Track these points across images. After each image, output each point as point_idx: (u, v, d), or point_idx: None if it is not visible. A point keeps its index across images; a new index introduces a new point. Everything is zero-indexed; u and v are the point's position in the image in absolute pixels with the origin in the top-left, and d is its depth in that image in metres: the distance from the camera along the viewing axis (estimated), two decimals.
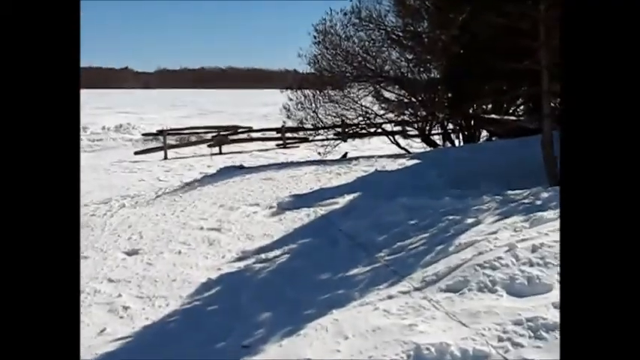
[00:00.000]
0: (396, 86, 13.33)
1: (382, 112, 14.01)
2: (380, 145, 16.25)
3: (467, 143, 12.72)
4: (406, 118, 13.91)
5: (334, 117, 14.14)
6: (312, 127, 14.45)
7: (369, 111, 13.92)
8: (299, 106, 14.09)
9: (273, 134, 21.81)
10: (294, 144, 20.55)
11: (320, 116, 14.09)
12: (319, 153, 14.17)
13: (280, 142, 21.06)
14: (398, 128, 15.75)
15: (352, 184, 7.92)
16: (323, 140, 14.86)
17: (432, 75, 12.80)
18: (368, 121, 14.32)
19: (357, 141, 17.38)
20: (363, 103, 13.83)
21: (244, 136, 22.44)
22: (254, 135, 22.53)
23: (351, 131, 15.26)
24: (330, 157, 13.52)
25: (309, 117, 14.10)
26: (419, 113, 13.58)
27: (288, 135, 19.91)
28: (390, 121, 14.31)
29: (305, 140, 17.62)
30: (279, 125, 20.38)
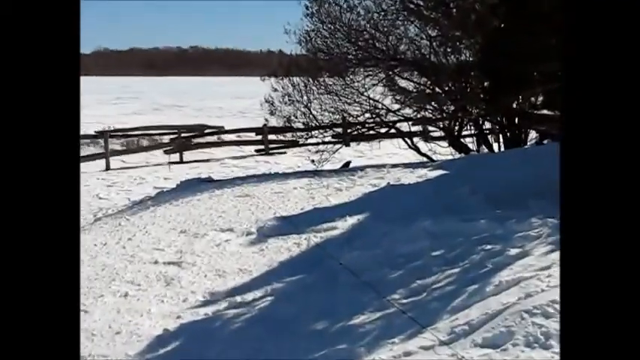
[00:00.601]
0: (415, 72, 13.38)
1: (396, 106, 14.07)
2: (393, 150, 16.32)
3: (510, 148, 12.74)
4: (428, 114, 13.96)
5: (333, 113, 14.16)
6: (303, 126, 14.48)
7: (379, 105, 13.96)
8: (286, 99, 14.11)
9: (252, 136, 21.91)
10: (280, 149, 20.62)
11: (314, 113, 14.11)
12: (313, 161, 14.16)
13: (261, 146, 21.13)
14: (417, 128, 15.78)
15: (357, 203, 7.93)
16: (318, 144, 14.89)
17: (463, 57, 12.86)
18: (377, 119, 14.35)
19: (363, 145, 17.45)
20: (371, 95, 13.87)
21: (213, 138, 22.50)
22: (226, 138, 22.61)
23: (355, 132, 15.29)
24: (327, 166, 13.54)
25: (299, 113, 14.12)
26: (445, 108, 13.63)
27: (272, 137, 19.97)
28: (406, 119, 14.35)
29: (294, 144, 17.66)
30: (259, 124, 20.42)
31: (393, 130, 15.08)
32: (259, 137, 21.31)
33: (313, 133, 14.72)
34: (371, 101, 13.89)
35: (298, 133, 15.03)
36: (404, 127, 14.82)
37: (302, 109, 14.09)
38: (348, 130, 15.44)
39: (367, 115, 14.19)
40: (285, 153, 20.38)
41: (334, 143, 15.17)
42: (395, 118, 14.34)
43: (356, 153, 18.02)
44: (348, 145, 16.23)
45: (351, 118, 14.40)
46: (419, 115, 14.19)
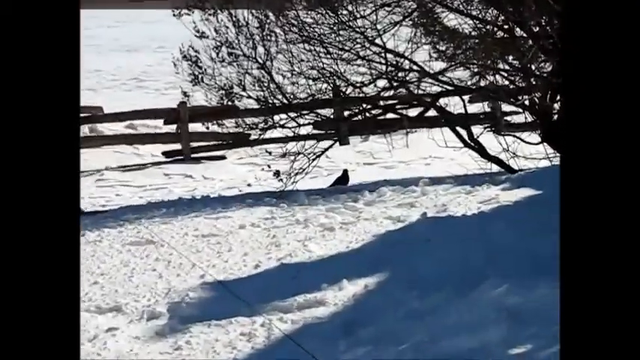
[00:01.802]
0: None
1: (440, 65, 14.10)
2: (433, 150, 16.32)
3: None
4: (501, 80, 14.01)
5: (315, 81, 14.19)
6: (258, 106, 14.47)
7: (405, 64, 14.01)
8: (223, 52, 14.13)
9: (159, 127, 21.87)
10: (213, 151, 20.57)
11: (278, 79, 14.14)
12: (277, 174, 14.13)
13: (176, 146, 21.09)
14: (479, 107, 15.77)
15: (362, 255, 7.98)
16: (286, 141, 14.87)
17: None
18: (402, 91, 14.40)
19: (375, 142, 17.43)
20: (390, 45, 13.91)
21: (82, 131, 22.42)
22: (107, 129, 22.56)
23: (358, 116, 15.31)
24: (304, 183, 13.54)
25: (249, 81, 14.14)
26: (534, 68, 13.69)
27: (197, 128, 19.93)
28: (458, 90, 14.39)
29: (240, 142, 17.63)
30: (171, 103, 20.44)
31: (431, 112, 15.12)
32: (172, 128, 21.30)
33: (277, 119, 14.69)
34: (389, 55, 13.93)
35: (248, 120, 15.01)
36: (454, 105, 14.84)
37: (255, 71, 14.11)
38: (345, 114, 15.44)
39: (382, 82, 14.22)
40: (222, 158, 20.36)
41: (318, 139, 15.09)
42: (436, 88, 14.37)
43: (360, 157, 18.05)
44: (344, 142, 16.23)
45: (350, 90, 14.41)
46: (482, 83, 14.23)
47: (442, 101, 14.63)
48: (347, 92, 14.40)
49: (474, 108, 15.33)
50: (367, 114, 14.96)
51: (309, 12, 13.93)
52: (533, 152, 13.74)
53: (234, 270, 7.95)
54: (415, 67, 13.89)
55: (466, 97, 14.72)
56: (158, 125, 21.85)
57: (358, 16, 13.78)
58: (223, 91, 14.16)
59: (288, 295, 6.92)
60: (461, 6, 13.51)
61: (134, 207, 11.90)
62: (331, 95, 14.53)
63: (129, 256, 8.65)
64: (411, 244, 7.97)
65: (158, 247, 8.83)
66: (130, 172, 19.97)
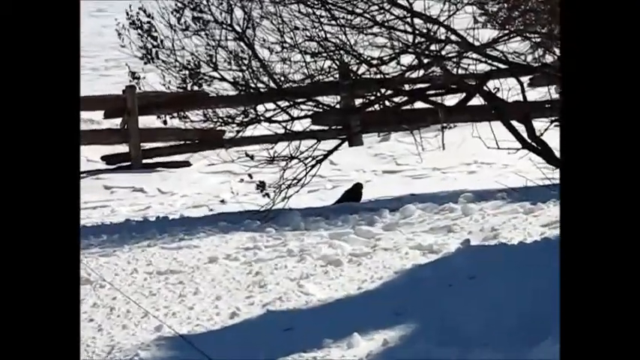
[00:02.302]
0: None
1: (488, 34, 14.13)
2: (479, 152, 16.36)
3: None
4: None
5: (315, 55, 14.21)
6: (237, 90, 14.46)
7: (440, 31, 14.06)
8: (185, 19, 14.17)
9: (97, 120, 21.91)
10: (174, 155, 20.63)
11: (264, 54, 14.18)
12: (261, 187, 14.20)
13: (122, 147, 21.12)
14: (543, 94, 15.83)
15: (379, 297, 8.00)
16: (275, 141, 14.89)
17: None
18: (435, 71, 14.44)
19: (398, 141, 17.51)
20: (418, 7, 13.92)
21: None
22: None
23: (375, 105, 15.34)
24: (298, 199, 13.58)
25: (222, 56, 14.18)
26: None
27: (150, 123, 19.97)
28: (512, 68, 14.44)
29: (212, 142, 17.71)
30: (115, 89, 20.52)
31: (477, 100, 15.17)
32: (115, 123, 21.36)
33: (262, 110, 14.69)
34: (418, 21, 13.98)
35: (221, 112, 15.01)
36: (508, 90, 14.84)
37: (231, 43, 14.14)
38: (357, 102, 15.50)
39: (407, 59, 14.27)
40: (186, 165, 20.45)
41: (319, 137, 15.12)
42: (483, 67, 14.42)
43: (378, 162, 18.13)
44: (356, 141, 16.27)
45: (363, 70, 14.44)
46: (548, 59, 14.25)
47: (491, 85, 14.65)
48: (359, 72, 14.44)
49: (536, 94, 15.33)
50: (387, 102, 14.99)
51: None
52: None
53: (202, 320, 7.97)
54: (454, 37, 13.94)
55: (525, 79, 14.74)
56: (96, 119, 21.86)
57: None
58: (187, 71, 14.20)
59: (277, 354, 6.93)
60: None
61: None
62: (337, 77, 14.58)
63: None
64: (448, 283, 7.99)
65: (96, 288, 8.86)
66: None
